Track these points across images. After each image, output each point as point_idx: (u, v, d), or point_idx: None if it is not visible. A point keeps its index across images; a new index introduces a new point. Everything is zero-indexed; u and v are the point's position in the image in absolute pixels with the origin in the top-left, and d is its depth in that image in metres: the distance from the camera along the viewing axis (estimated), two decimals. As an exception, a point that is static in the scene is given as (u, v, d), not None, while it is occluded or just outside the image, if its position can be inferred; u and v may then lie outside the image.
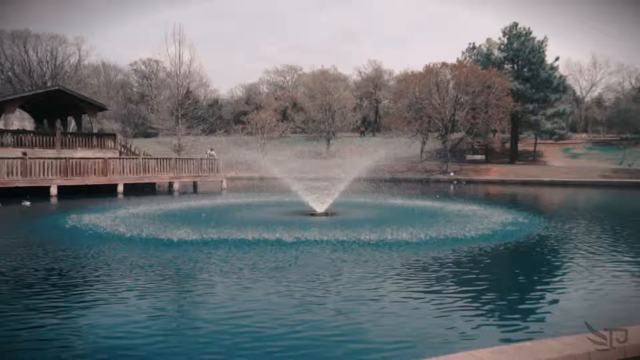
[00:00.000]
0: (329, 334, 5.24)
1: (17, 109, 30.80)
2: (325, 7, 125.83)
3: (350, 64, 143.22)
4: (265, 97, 74.85)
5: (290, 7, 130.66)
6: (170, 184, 27.27)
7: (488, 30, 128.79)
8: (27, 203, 18.98)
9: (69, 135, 28.83)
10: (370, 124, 71.96)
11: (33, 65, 60.74)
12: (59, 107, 32.03)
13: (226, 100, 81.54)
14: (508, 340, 4.94)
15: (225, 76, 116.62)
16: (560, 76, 47.75)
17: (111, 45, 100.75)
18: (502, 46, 48.91)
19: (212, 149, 33.99)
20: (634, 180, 33.17)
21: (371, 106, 73.02)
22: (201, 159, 29.00)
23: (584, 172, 36.91)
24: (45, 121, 36.46)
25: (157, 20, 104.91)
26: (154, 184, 27.43)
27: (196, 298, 6.82)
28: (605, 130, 62.30)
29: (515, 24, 47.98)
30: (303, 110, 60.84)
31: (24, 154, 23.60)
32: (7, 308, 6.22)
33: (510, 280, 8.23)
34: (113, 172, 24.63)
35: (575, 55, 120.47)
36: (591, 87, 72.04)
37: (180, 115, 43.88)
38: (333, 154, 52.88)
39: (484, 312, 6.17)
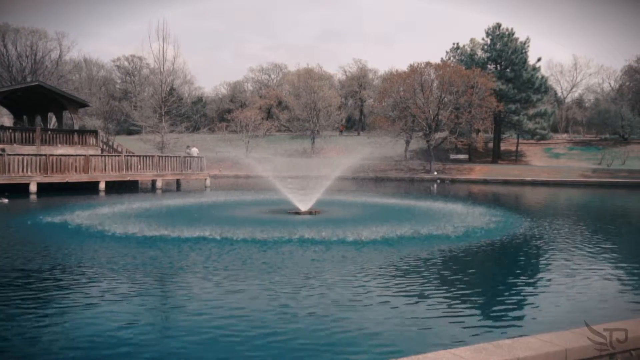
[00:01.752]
0: (311, 334, 5.23)
1: (-4, 105, 30.21)
2: (311, 5, 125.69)
3: (336, 63, 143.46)
4: (250, 95, 74.51)
5: (275, 6, 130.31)
6: (153, 182, 26.98)
7: (472, 30, 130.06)
8: (5, 200, 18.62)
9: (49, 132, 28.29)
10: (355, 123, 72.11)
11: (12, 60, 59.43)
12: (39, 103, 31.42)
13: (210, 98, 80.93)
14: (489, 339, 4.98)
15: (210, 74, 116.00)
16: (542, 77, 48.43)
17: (96, 43, 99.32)
18: (486, 46, 49.42)
19: (188, 147, 33.28)
20: (612, 180, 33.83)
21: (356, 105, 73.15)
22: (184, 157, 28.75)
23: (564, 172, 37.49)
24: (24, 117, 35.71)
25: (143, 18, 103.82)
26: (136, 181, 27.11)
27: (174, 300, 6.74)
28: (585, 131, 63.34)
29: (499, 25, 48.48)
30: (288, 109, 60.67)
31: (3, 150, 23.12)
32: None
33: (491, 279, 8.32)
34: (94, 170, 24.28)
35: (557, 56, 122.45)
36: (572, 88, 73.33)
37: (163, 113, 43.32)
38: (318, 152, 52.89)
39: (466, 310, 6.22)
